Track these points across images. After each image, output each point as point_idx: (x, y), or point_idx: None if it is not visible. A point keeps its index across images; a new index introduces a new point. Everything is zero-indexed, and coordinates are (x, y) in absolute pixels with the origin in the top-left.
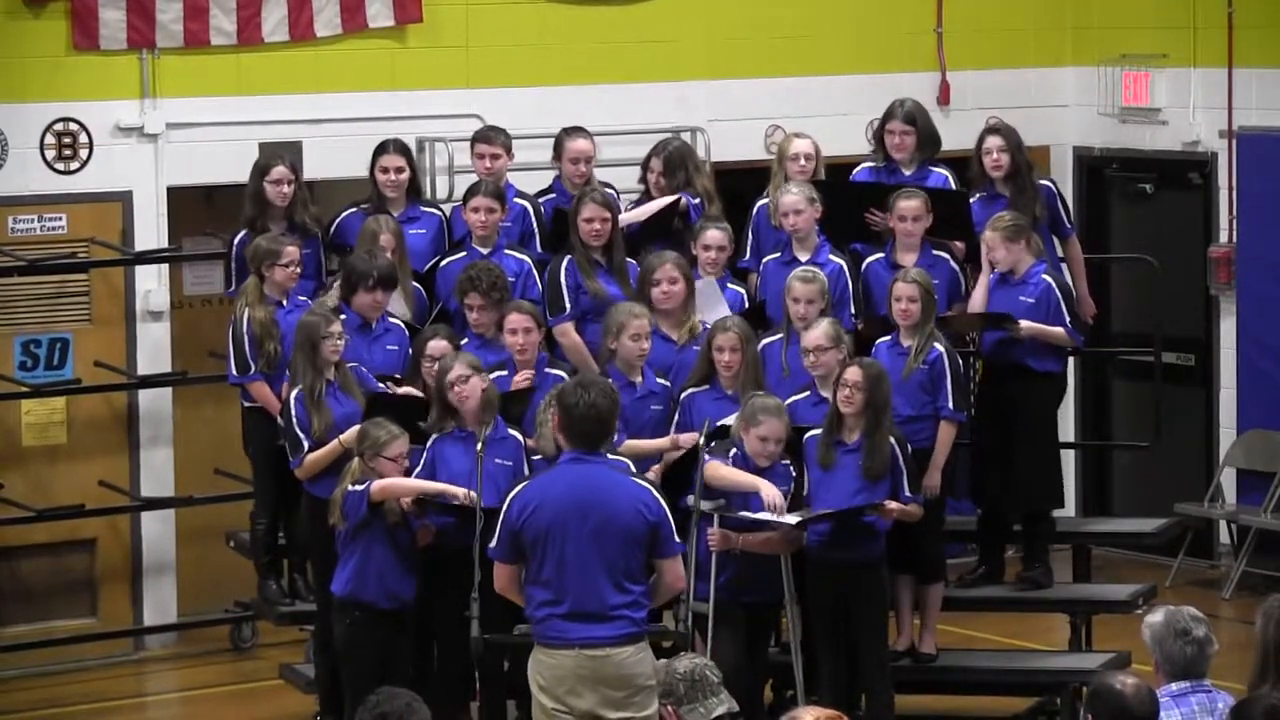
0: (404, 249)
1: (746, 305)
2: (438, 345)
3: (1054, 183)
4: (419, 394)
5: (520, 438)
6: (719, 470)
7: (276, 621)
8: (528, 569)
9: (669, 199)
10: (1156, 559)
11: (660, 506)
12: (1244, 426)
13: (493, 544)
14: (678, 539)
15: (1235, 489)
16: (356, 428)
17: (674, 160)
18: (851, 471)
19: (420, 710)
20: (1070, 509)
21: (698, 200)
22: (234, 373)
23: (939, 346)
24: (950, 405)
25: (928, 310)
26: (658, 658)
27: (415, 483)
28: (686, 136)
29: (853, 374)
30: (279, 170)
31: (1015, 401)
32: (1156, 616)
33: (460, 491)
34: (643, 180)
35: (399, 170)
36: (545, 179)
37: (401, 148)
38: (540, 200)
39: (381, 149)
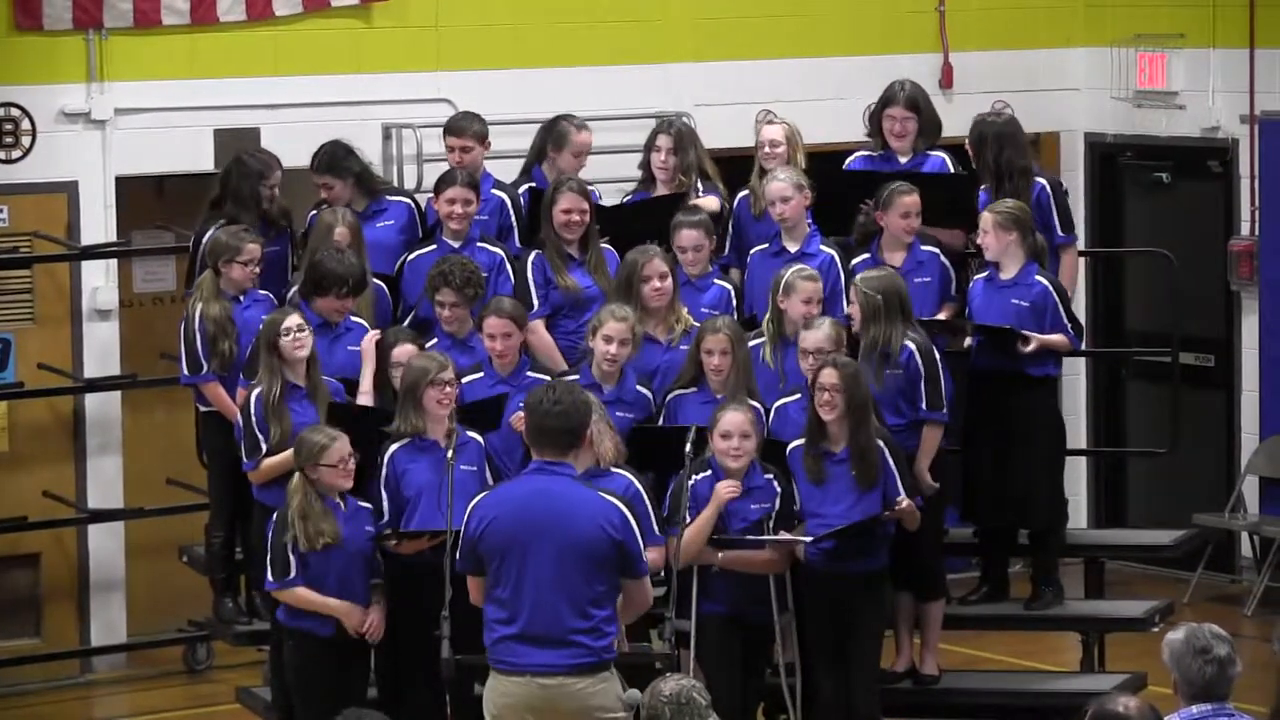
0: (362, 244)
1: (735, 302)
2: (403, 351)
3: (1051, 182)
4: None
5: (481, 441)
6: (690, 534)
7: (233, 642)
8: (487, 583)
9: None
10: (1174, 573)
11: (627, 524)
12: (1267, 431)
13: (458, 556)
14: (646, 559)
15: (1258, 498)
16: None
17: (685, 137)
18: (845, 484)
19: None
20: (1082, 520)
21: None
22: (185, 373)
23: (909, 344)
24: (926, 406)
25: (875, 312)
26: (649, 679)
27: (316, 598)
28: None
29: (828, 376)
30: (279, 174)
31: (1012, 411)
32: (1177, 634)
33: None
34: (644, 164)
35: (327, 187)
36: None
37: (325, 164)
38: (519, 190)
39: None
